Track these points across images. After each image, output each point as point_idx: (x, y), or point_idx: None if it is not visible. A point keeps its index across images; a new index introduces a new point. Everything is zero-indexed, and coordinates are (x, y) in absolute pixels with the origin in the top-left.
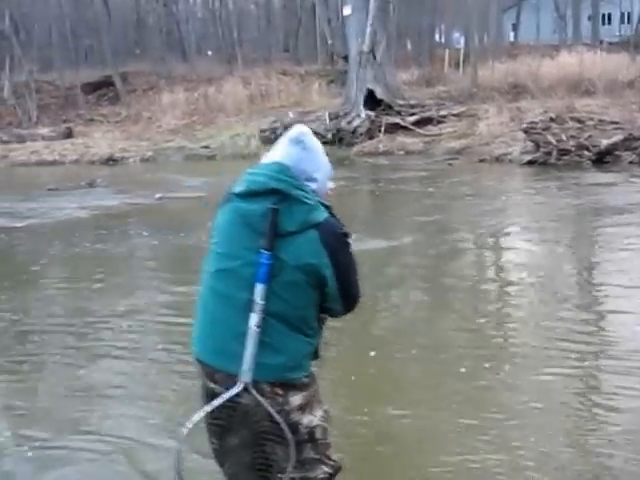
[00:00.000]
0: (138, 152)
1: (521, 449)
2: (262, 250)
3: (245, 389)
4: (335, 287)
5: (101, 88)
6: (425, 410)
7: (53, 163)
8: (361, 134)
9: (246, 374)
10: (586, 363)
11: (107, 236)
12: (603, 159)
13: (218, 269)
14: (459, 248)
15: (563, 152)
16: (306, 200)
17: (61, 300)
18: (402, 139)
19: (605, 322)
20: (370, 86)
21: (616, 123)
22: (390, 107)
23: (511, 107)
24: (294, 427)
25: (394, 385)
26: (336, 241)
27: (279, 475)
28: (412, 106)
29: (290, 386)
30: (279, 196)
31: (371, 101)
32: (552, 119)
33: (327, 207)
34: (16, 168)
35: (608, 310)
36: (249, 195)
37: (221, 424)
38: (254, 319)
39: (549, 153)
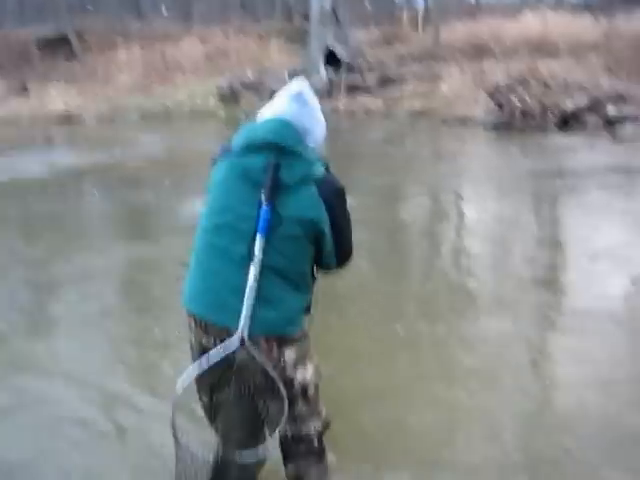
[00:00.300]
0: (95, 110)
1: (459, 408)
2: (262, 203)
3: (242, 344)
4: (331, 242)
5: (56, 45)
6: (366, 368)
7: (7, 119)
8: (321, 94)
9: (243, 328)
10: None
11: (68, 193)
12: (568, 122)
13: (215, 223)
14: (414, 210)
15: (527, 115)
16: (306, 155)
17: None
18: (363, 99)
19: (560, 283)
20: (330, 45)
21: (582, 86)
22: (351, 67)
23: (473, 68)
24: (288, 382)
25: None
26: (334, 196)
27: (271, 430)
28: (373, 66)
29: (285, 341)
30: (279, 151)
31: (331, 61)
32: (517, 81)
33: (324, 163)
34: None
35: (565, 273)
36: (249, 150)
37: (213, 380)
38: (253, 272)
39: (513, 115)
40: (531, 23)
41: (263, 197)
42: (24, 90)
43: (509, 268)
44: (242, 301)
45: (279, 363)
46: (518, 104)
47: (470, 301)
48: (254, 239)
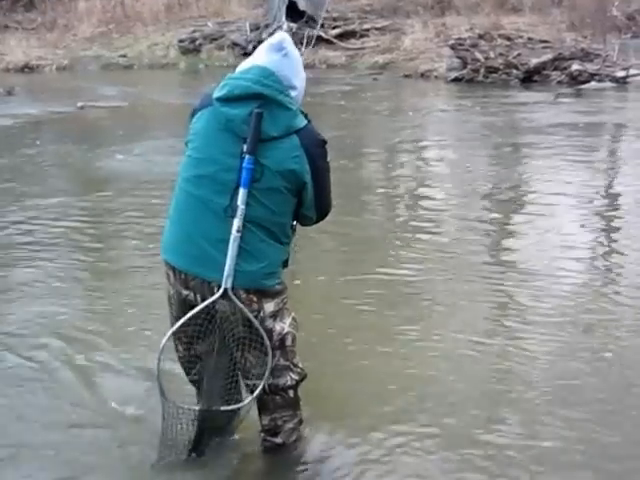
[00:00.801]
0: (54, 60)
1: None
2: (244, 155)
3: (223, 296)
4: (312, 194)
5: None
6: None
7: None
8: None
9: (227, 280)
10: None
11: (34, 144)
12: (531, 78)
13: (196, 175)
14: (367, 164)
15: (491, 70)
16: (290, 105)
17: None
18: (324, 52)
19: (514, 240)
20: None
21: (545, 42)
22: (312, 20)
23: (436, 23)
24: (267, 334)
25: None
26: (316, 148)
27: (249, 382)
28: (335, 19)
29: (265, 293)
30: (262, 101)
31: (293, 13)
32: (480, 36)
33: (305, 114)
34: None
35: (518, 227)
36: (231, 99)
37: (191, 331)
38: (235, 224)
39: (476, 70)
40: None
41: (245, 148)
42: None
43: (462, 212)
44: (224, 253)
45: (258, 314)
46: (482, 59)
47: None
48: (236, 191)
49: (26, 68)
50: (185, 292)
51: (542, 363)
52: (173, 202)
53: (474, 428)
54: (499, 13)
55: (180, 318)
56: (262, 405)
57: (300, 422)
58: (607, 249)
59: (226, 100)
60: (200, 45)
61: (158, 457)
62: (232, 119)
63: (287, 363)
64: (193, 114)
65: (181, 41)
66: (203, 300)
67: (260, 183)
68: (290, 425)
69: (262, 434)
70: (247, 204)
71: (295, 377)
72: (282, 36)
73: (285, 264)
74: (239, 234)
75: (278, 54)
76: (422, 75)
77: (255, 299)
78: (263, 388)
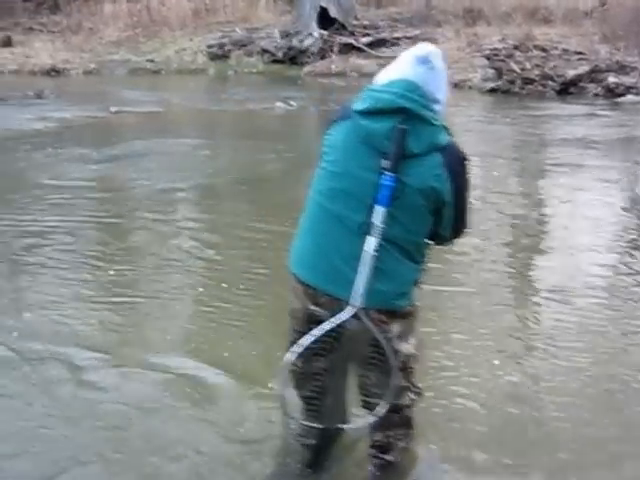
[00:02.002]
0: (81, 64)
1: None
2: (385, 171)
3: (355, 315)
4: (451, 214)
5: None
6: None
7: None
8: (313, 54)
9: (358, 299)
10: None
11: (74, 146)
12: (567, 90)
13: (331, 188)
14: None
15: (527, 81)
16: (434, 121)
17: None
18: (355, 60)
19: (540, 257)
20: (324, 4)
21: (580, 54)
22: (343, 27)
23: (467, 32)
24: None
25: None
26: (459, 166)
27: (369, 399)
28: (365, 27)
29: (395, 313)
30: (406, 115)
31: (324, 20)
32: (515, 47)
33: (447, 130)
34: None
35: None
36: (373, 113)
37: (315, 348)
38: (372, 243)
39: (512, 82)
40: None
41: (386, 164)
42: (8, 43)
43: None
44: (356, 271)
45: (386, 335)
46: (518, 70)
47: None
48: (372, 207)
49: (52, 71)
50: (313, 308)
51: None
52: (305, 214)
53: None
54: (530, 23)
55: (303, 333)
56: (377, 422)
57: (411, 441)
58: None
59: (367, 113)
60: (229, 51)
61: (275, 472)
62: (373, 133)
63: (407, 384)
64: (329, 125)
65: (210, 46)
66: (332, 317)
67: (399, 201)
68: (402, 444)
69: (372, 450)
70: (386, 223)
71: (413, 397)
72: (428, 48)
73: (417, 283)
74: (375, 253)
75: (423, 67)
76: (456, 85)
77: (385, 319)
78: (376, 406)
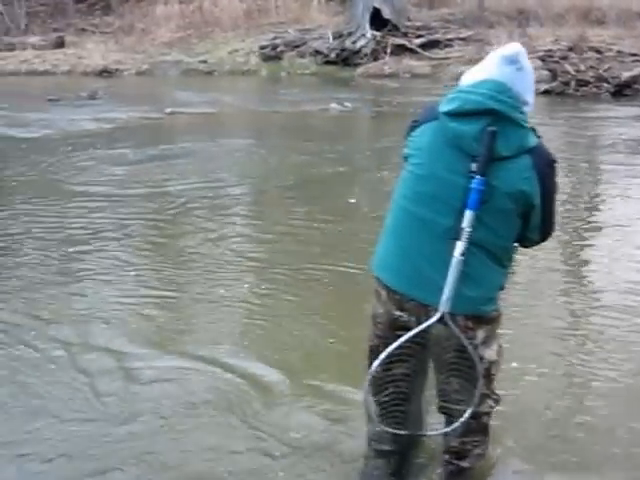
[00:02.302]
0: (133, 65)
1: None
2: (474, 175)
3: (440, 320)
4: (539, 216)
5: None
6: None
7: (44, 73)
8: (366, 55)
9: (445, 304)
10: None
11: (132, 146)
12: (622, 92)
13: (417, 192)
14: None
15: (581, 83)
16: (523, 123)
17: None
18: (408, 62)
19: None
20: (377, 5)
21: (635, 55)
22: (396, 28)
23: (520, 33)
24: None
25: None
26: (548, 168)
27: (449, 405)
28: (418, 28)
29: (481, 319)
30: (495, 117)
31: (376, 21)
32: (570, 48)
33: (534, 132)
34: (6, 77)
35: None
36: (461, 115)
37: (396, 354)
38: (459, 247)
39: (567, 83)
40: None
41: (475, 167)
42: (61, 44)
43: None
44: (443, 276)
45: (472, 341)
46: (573, 72)
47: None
48: (461, 212)
49: (105, 72)
50: (398, 313)
51: None
52: (390, 219)
53: None
54: (583, 25)
55: (386, 338)
56: (454, 428)
57: (486, 449)
58: None
59: (455, 115)
60: (281, 52)
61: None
62: (462, 135)
63: (488, 391)
64: (413, 127)
65: (262, 48)
66: (418, 323)
67: (488, 205)
68: (478, 450)
69: (446, 456)
70: (474, 227)
71: (492, 404)
72: (516, 48)
73: (502, 288)
74: (463, 257)
75: (511, 67)
76: None
77: (471, 325)
78: (460, 413)
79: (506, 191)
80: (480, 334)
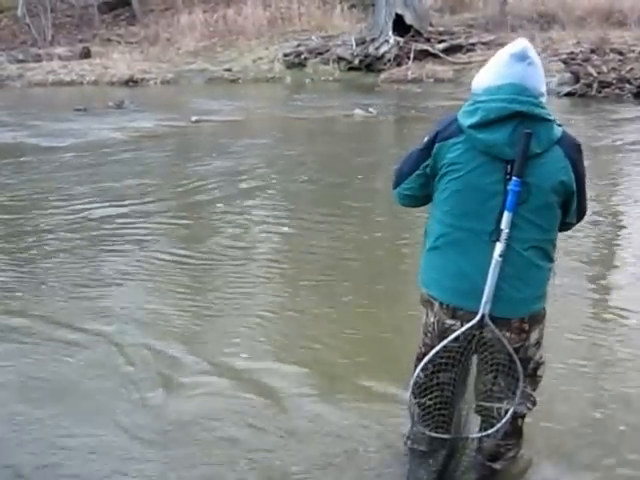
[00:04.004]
0: (158, 74)
1: None
2: (511, 177)
3: (485, 322)
4: (577, 201)
5: (117, 8)
6: None
7: (71, 83)
8: (389, 60)
9: (485, 306)
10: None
11: (161, 154)
12: None
13: (460, 206)
14: None
15: (604, 84)
16: (548, 117)
17: None
18: (431, 67)
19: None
20: (399, 11)
21: None
22: (419, 33)
23: (542, 37)
24: (526, 362)
25: None
26: (577, 153)
27: (490, 405)
28: (440, 33)
29: (535, 319)
30: (521, 118)
31: (399, 27)
32: (592, 50)
33: (556, 120)
34: (33, 88)
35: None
36: (487, 124)
37: (445, 361)
38: (499, 249)
39: (589, 85)
40: None
41: (511, 170)
42: (87, 55)
43: None
44: (496, 285)
45: (525, 343)
46: (595, 74)
47: None
48: (501, 215)
49: (130, 82)
50: (450, 322)
51: None
52: (433, 236)
53: None
54: (605, 27)
55: (434, 347)
56: (497, 429)
57: (519, 451)
58: None
59: (482, 126)
60: (305, 59)
61: None
62: (494, 144)
63: (530, 392)
64: (431, 143)
65: (286, 55)
66: (471, 333)
67: (529, 203)
68: (512, 453)
69: (479, 457)
70: (516, 226)
71: (530, 406)
72: (523, 43)
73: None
74: (501, 259)
75: (522, 64)
76: None
77: (526, 328)
78: (499, 412)
79: (545, 185)
80: (534, 335)
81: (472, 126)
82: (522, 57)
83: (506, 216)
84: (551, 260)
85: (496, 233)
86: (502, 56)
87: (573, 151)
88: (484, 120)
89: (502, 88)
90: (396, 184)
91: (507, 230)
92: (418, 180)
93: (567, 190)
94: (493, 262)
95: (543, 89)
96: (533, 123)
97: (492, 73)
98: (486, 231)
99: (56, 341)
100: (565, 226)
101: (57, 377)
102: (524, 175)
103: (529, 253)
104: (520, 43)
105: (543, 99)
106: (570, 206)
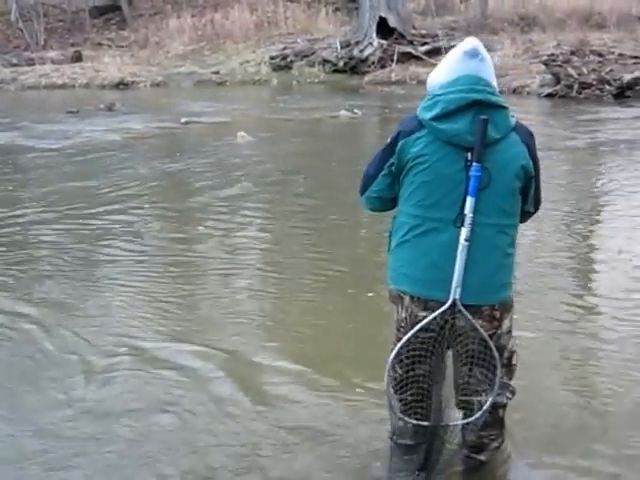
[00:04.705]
0: (148, 77)
1: None
2: (471, 163)
3: (456, 308)
4: (534, 187)
5: (108, 12)
6: None
7: (63, 87)
8: (373, 63)
9: (455, 291)
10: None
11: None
12: (624, 93)
13: (428, 197)
14: None
15: (584, 86)
16: (504, 104)
17: None
18: (414, 69)
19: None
20: (383, 14)
21: (636, 57)
22: (402, 36)
23: (523, 39)
24: (501, 350)
25: None
26: (531, 140)
27: (469, 397)
28: (423, 36)
29: (506, 307)
30: (479, 107)
31: (383, 30)
32: (572, 52)
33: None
34: (26, 91)
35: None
36: (448, 115)
37: (419, 354)
38: (464, 233)
39: (570, 86)
40: None
41: (471, 157)
42: (79, 58)
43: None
44: (466, 271)
45: (497, 331)
46: (575, 75)
47: None
48: (464, 201)
49: (121, 84)
50: (422, 314)
51: None
52: (401, 230)
53: None
54: (585, 29)
55: (411, 342)
56: (477, 418)
57: (503, 442)
58: None
59: (443, 117)
60: (291, 62)
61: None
62: (456, 133)
63: (507, 382)
64: (395, 141)
65: (272, 58)
66: (443, 321)
67: (492, 188)
68: (495, 444)
69: (465, 450)
70: (484, 212)
71: (509, 395)
72: (474, 42)
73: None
74: (467, 243)
75: (475, 60)
76: (514, 91)
77: (498, 315)
78: (480, 404)
79: (507, 171)
80: (505, 323)
81: (433, 118)
82: (474, 54)
83: (469, 201)
84: (514, 246)
85: (460, 219)
86: (455, 54)
87: (528, 137)
88: (445, 111)
89: (458, 80)
90: (363, 189)
91: (471, 215)
92: (385, 180)
93: (527, 174)
94: (460, 247)
95: (495, 83)
96: (490, 110)
97: (447, 70)
98: (453, 219)
99: None
100: (524, 216)
101: None
102: (484, 160)
103: (496, 239)
104: (471, 42)
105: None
106: (529, 192)
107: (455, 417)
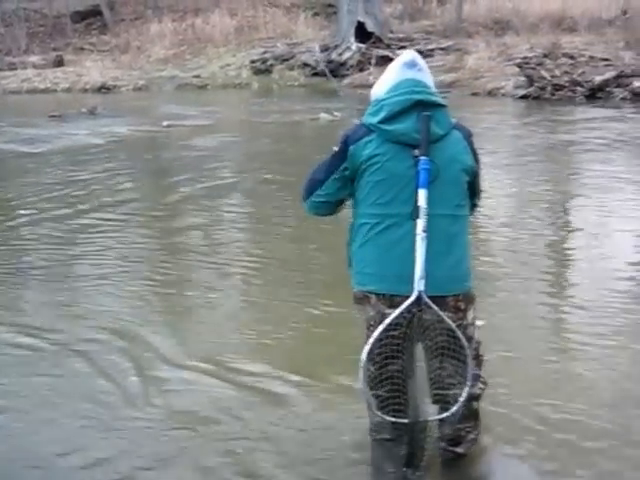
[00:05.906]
0: (130, 81)
1: None
2: (419, 157)
3: (422, 300)
4: (477, 181)
5: (89, 17)
6: None
7: (45, 91)
8: (351, 66)
9: (419, 283)
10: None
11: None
12: (596, 95)
13: (383, 195)
14: None
15: (557, 87)
16: (444, 103)
17: None
18: None
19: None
20: (361, 19)
21: (606, 60)
22: (380, 40)
23: (497, 42)
24: (468, 341)
25: None
26: (471, 137)
27: (442, 391)
28: (400, 39)
29: (469, 299)
30: (422, 107)
31: (361, 34)
32: (545, 55)
33: None
34: (8, 96)
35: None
36: (394, 117)
37: (390, 350)
38: (420, 225)
39: (543, 88)
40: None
41: (418, 152)
42: (61, 63)
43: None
44: (428, 263)
45: (462, 322)
46: (548, 77)
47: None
48: (417, 194)
49: (103, 88)
50: (389, 310)
51: None
52: (361, 232)
53: None
54: (557, 33)
55: (380, 340)
56: (454, 412)
57: (479, 433)
58: None
59: (390, 119)
60: (271, 65)
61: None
62: (404, 132)
63: (478, 372)
64: (345, 147)
65: (253, 62)
66: (410, 314)
67: (442, 180)
68: (472, 436)
69: (443, 444)
70: (438, 204)
71: (482, 386)
72: (412, 54)
73: None
74: (425, 234)
75: (413, 70)
76: (489, 93)
77: (463, 306)
78: (454, 398)
79: (454, 164)
80: (470, 314)
81: (381, 121)
82: (412, 65)
83: (421, 193)
84: (467, 237)
85: (415, 212)
86: (395, 66)
87: (468, 135)
88: (391, 114)
89: (400, 85)
90: (308, 194)
91: (425, 206)
92: (335, 184)
93: (472, 169)
94: (418, 239)
95: (433, 88)
96: (432, 109)
97: (389, 80)
98: (408, 214)
99: None
100: (472, 209)
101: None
102: (431, 155)
103: (452, 229)
104: (409, 54)
105: None
106: (475, 186)
107: (432, 412)
